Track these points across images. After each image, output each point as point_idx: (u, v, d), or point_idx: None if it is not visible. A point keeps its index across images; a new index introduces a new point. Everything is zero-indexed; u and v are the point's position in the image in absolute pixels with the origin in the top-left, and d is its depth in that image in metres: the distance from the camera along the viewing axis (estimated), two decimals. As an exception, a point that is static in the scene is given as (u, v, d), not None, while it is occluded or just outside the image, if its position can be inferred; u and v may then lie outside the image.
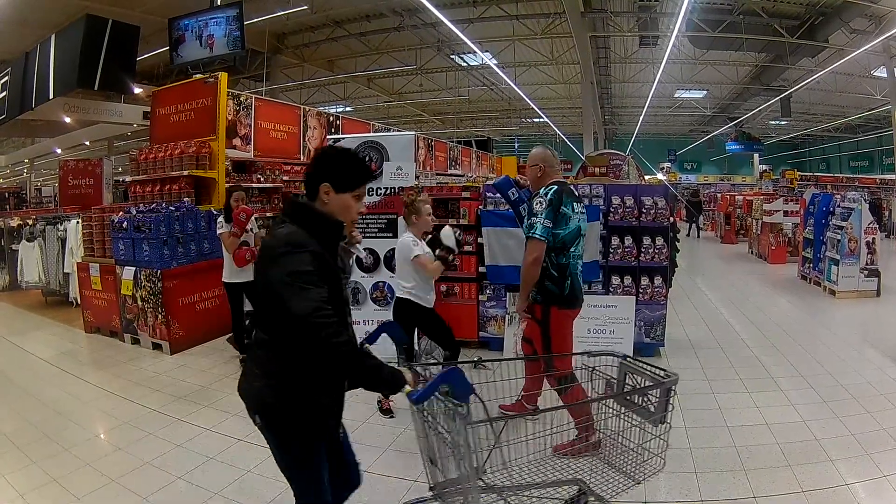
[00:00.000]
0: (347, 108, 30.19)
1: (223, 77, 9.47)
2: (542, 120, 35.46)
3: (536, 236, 4.55)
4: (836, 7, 18.11)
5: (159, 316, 7.90)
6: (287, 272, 2.50)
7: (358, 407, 5.55)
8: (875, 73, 25.64)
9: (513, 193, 5.54)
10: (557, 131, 38.25)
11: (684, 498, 4.20)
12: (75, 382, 6.76)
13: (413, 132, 8.44)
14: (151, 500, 4.16)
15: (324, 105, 26.68)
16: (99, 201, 11.06)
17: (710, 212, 27.53)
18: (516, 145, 47.71)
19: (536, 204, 4.63)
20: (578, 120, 38.63)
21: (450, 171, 21.06)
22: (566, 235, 4.69)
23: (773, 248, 16.36)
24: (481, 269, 7.67)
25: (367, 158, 7.26)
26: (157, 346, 8.02)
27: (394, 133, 8.07)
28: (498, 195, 6.45)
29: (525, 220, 4.80)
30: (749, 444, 5.04)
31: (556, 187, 4.70)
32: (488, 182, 8.33)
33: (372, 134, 8.27)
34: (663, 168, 41.84)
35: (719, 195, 26.47)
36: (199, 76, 9.71)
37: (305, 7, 17.26)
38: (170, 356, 7.77)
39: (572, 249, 4.76)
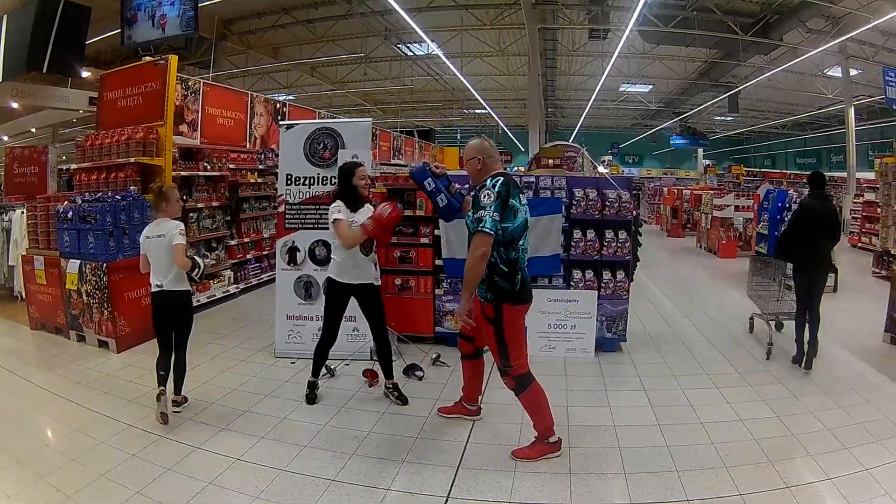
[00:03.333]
0: (290, 97, 29.73)
1: (173, 60, 8.98)
2: (484, 111, 35.44)
3: (486, 230, 4.30)
4: (794, 6, 18.45)
5: (105, 312, 7.47)
6: None
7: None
8: (828, 73, 26.21)
9: (429, 184, 5.22)
10: (500, 122, 38.31)
11: (670, 498, 4.10)
12: (21, 384, 6.36)
13: (369, 119, 8.17)
14: (110, 519, 3.84)
15: (266, 93, 26.31)
16: (44, 190, 10.53)
17: (655, 205, 27.80)
18: (458, 136, 47.74)
19: (484, 196, 4.40)
20: (520, 112, 39.06)
21: (393, 161, 21.11)
22: (515, 229, 4.50)
23: (723, 242, 16.56)
24: (438, 262, 7.50)
25: (321, 145, 7.05)
26: (103, 344, 7.58)
27: (349, 119, 7.82)
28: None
29: (470, 213, 4.54)
30: (726, 440, 4.99)
31: (502, 179, 4.52)
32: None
33: (327, 120, 8.01)
34: (605, 161, 42.21)
35: (665, 189, 26.74)
36: (148, 58, 9.29)
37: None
38: (116, 354, 7.36)
39: (521, 243, 4.60)
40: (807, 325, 6.90)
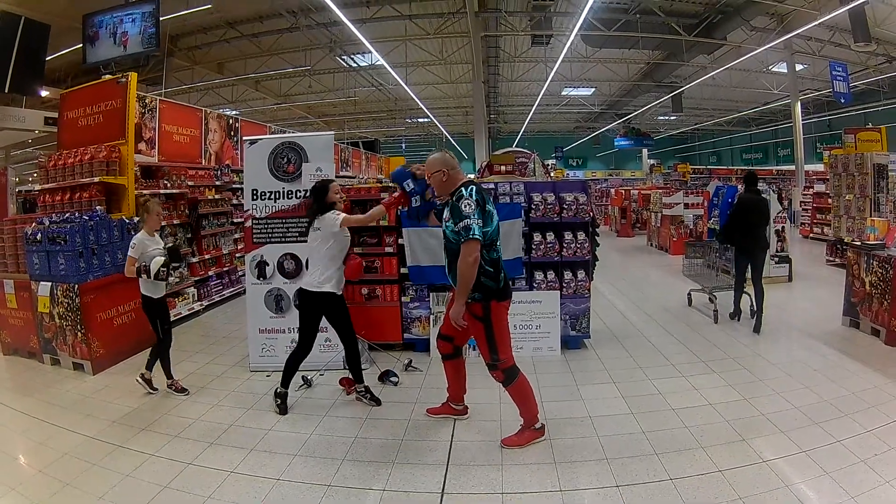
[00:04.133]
0: (234, 112, 29.58)
1: (133, 77, 8.99)
2: (427, 120, 35.76)
3: (475, 237, 4.53)
4: (738, 6, 19.00)
5: (78, 334, 7.39)
6: None
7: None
8: (773, 69, 26.90)
9: (408, 185, 5.39)
10: (444, 131, 38.70)
11: (653, 478, 4.31)
12: (2, 410, 6.26)
13: (332, 131, 8.30)
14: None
15: (212, 109, 26.06)
16: (4, 212, 10.35)
17: (602, 206, 28.20)
18: (404, 146, 47.93)
19: (465, 206, 4.60)
20: (463, 119, 39.51)
21: (342, 173, 21.05)
22: (493, 232, 4.76)
23: (674, 239, 16.89)
24: (403, 270, 7.63)
25: (285, 160, 7.14)
26: (78, 367, 7.50)
27: (312, 133, 7.91)
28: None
29: (449, 223, 4.73)
30: (699, 423, 5.24)
31: (474, 186, 4.75)
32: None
33: (290, 134, 8.08)
34: (549, 165, 42.73)
35: (612, 190, 27.14)
36: (108, 76, 9.24)
37: (209, 6, 16.81)
38: (92, 376, 7.29)
39: (499, 244, 4.87)
40: (744, 295, 8.77)
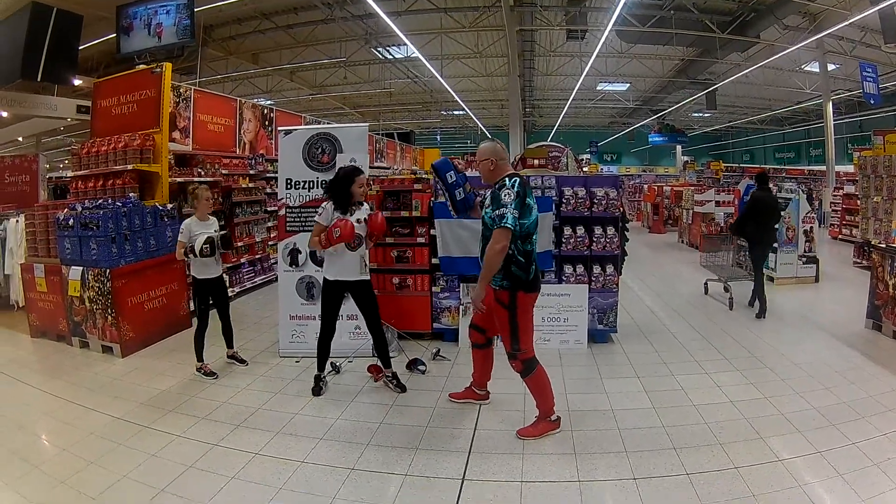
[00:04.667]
0: (269, 102, 29.77)
1: (168, 67, 9.17)
2: (462, 112, 35.64)
3: (508, 226, 4.63)
4: (771, 4, 18.72)
5: (109, 317, 7.58)
6: None
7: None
8: (806, 68, 26.52)
9: (450, 176, 5.46)
10: (479, 123, 38.55)
11: (669, 472, 4.36)
12: (29, 392, 6.41)
13: (366, 123, 8.38)
14: (142, 519, 3.91)
15: (246, 98, 26.31)
16: (36, 199, 10.52)
17: (635, 202, 28.05)
18: (438, 138, 47.91)
19: (505, 195, 4.72)
20: (498, 112, 39.29)
21: (376, 164, 21.11)
22: (530, 224, 4.85)
23: (704, 236, 16.63)
24: (434, 260, 7.71)
25: (320, 150, 7.25)
26: (107, 350, 7.69)
27: (346, 125, 8.04)
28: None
29: (488, 210, 4.86)
30: (719, 420, 5.26)
31: (518, 179, 4.85)
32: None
33: (325, 126, 8.20)
34: (583, 159, 42.53)
35: (645, 186, 26.99)
36: (142, 66, 9.40)
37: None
38: (121, 359, 7.47)
39: (535, 237, 4.96)
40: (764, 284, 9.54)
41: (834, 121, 25.64)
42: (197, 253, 6.44)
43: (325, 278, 6.02)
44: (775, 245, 11.39)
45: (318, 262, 7.27)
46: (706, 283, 10.86)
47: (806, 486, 4.10)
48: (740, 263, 10.43)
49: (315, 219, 5.95)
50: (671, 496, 4.06)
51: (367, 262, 6.30)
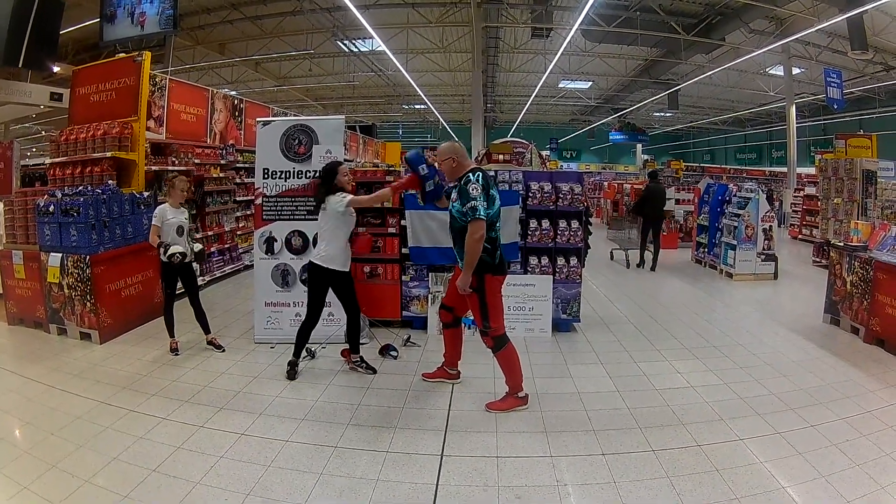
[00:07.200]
0: (233, 92, 29.67)
1: (147, 56, 9.25)
2: (423, 106, 35.95)
3: (481, 217, 5.05)
4: (738, 8, 19.22)
5: (87, 304, 7.61)
6: None
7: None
8: (770, 71, 27.11)
9: (422, 169, 5.67)
10: (440, 118, 38.81)
11: (636, 449, 4.65)
12: (11, 378, 6.41)
13: (342, 116, 8.56)
14: (134, 498, 4.01)
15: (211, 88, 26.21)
16: (9, 186, 10.49)
17: (595, 199, 28.39)
18: (400, 132, 47.97)
19: (472, 189, 5.10)
20: (460, 107, 39.64)
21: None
22: (494, 214, 5.27)
23: (664, 233, 17.02)
24: (404, 250, 7.98)
25: (297, 141, 7.43)
26: (85, 336, 7.71)
27: (323, 117, 8.21)
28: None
29: (455, 203, 5.28)
30: (681, 403, 5.59)
31: (480, 173, 5.25)
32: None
33: (301, 117, 8.36)
34: (543, 156, 42.86)
35: (605, 183, 27.34)
36: (122, 55, 9.45)
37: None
38: (100, 345, 7.50)
39: (498, 225, 5.40)
40: (646, 251, 13.64)
41: (797, 124, 26.30)
42: (165, 259, 6.80)
43: (323, 267, 6.12)
44: (734, 243, 12.02)
45: (294, 251, 7.52)
46: (611, 252, 14.94)
47: (767, 463, 4.40)
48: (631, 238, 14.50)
49: (348, 198, 6.08)
50: (639, 469, 4.33)
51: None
